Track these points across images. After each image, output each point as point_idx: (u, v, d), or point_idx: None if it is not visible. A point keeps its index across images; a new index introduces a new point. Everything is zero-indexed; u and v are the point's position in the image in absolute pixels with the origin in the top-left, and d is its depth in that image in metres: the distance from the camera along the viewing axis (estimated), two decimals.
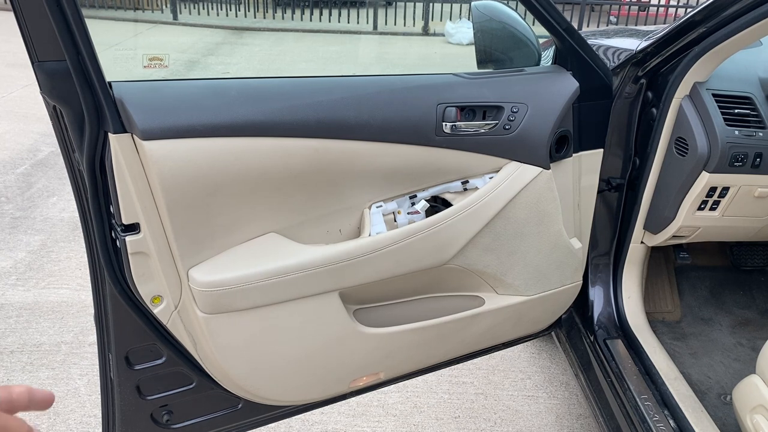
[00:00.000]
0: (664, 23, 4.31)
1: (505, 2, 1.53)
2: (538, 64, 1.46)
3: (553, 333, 1.88)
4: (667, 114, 1.52)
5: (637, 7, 10.03)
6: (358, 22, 9.74)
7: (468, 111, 1.28)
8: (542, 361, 2.35)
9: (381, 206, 1.30)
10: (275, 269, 1.17)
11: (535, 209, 1.40)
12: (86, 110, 0.99)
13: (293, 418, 1.55)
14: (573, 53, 1.40)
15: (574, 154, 1.46)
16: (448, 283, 1.45)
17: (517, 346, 2.05)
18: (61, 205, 3.46)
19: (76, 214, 1.14)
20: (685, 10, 8.85)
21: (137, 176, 1.05)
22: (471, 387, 2.20)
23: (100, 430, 1.34)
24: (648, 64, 1.53)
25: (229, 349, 1.23)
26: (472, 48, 1.51)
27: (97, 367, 1.29)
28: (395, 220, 1.33)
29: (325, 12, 9.97)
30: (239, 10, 10.08)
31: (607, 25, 9.71)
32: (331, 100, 1.17)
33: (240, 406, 1.40)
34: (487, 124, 1.31)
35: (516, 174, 1.35)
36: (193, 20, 9.62)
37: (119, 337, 1.21)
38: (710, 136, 1.49)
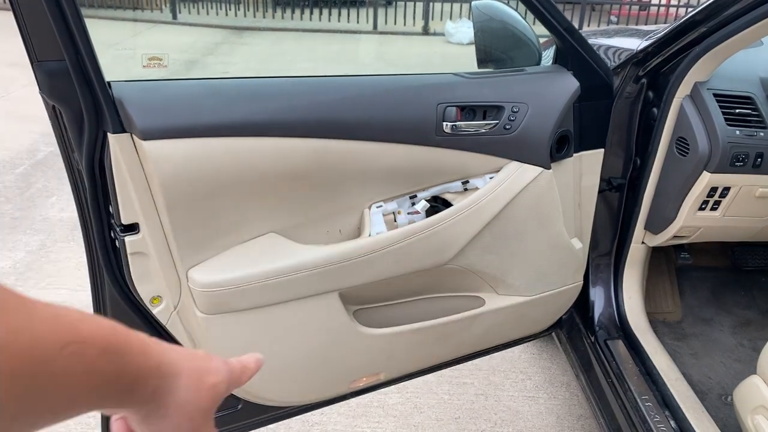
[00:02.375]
0: (665, 23, 4.31)
1: (506, 2, 1.52)
2: (538, 63, 1.46)
3: (553, 333, 1.88)
4: (668, 114, 1.52)
5: (637, 7, 10.02)
6: (358, 22, 9.73)
7: (468, 111, 1.28)
8: (543, 362, 2.35)
9: (381, 206, 1.29)
10: (275, 269, 1.17)
11: (535, 209, 1.40)
12: (85, 110, 0.99)
13: (293, 418, 1.54)
14: (574, 53, 1.40)
15: (574, 154, 1.46)
16: (449, 284, 1.45)
17: (518, 346, 2.05)
18: (60, 205, 3.45)
19: (75, 214, 1.14)
20: (686, 10, 8.85)
21: (136, 176, 1.04)
22: (471, 388, 2.20)
23: (99, 431, 1.34)
24: (649, 64, 1.52)
25: (229, 349, 1.22)
26: (473, 48, 1.50)
27: None
28: (395, 221, 1.32)
29: (325, 11, 9.96)
30: (239, 10, 10.07)
31: (608, 25, 9.71)
32: (331, 99, 1.16)
33: (240, 407, 1.39)
34: (487, 124, 1.30)
35: (516, 174, 1.35)
36: (192, 20, 9.61)
37: None
38: (711, 136, 1.49)
